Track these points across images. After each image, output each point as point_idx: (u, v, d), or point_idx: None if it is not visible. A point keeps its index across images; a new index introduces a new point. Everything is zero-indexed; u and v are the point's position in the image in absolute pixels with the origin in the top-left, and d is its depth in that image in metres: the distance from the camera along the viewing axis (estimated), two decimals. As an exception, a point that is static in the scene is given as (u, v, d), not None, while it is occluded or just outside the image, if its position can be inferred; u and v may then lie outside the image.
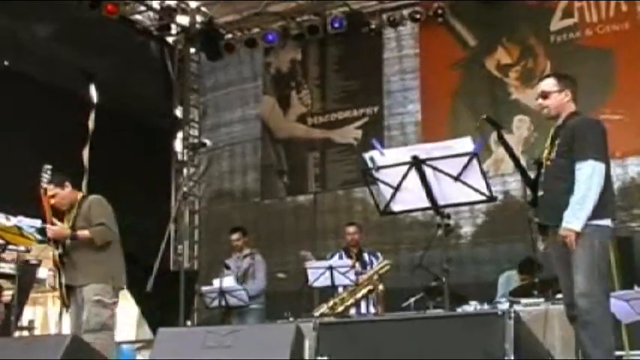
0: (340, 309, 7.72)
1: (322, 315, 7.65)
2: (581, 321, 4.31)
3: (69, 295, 5.75)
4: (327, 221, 10.51)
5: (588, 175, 4.37)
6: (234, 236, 8.92)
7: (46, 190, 5.68)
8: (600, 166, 4.40)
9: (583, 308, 4.29)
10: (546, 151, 4.66)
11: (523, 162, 4.85)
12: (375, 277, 7.82)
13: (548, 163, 4.60)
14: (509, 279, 7.93)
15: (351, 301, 7.78)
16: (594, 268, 4.36)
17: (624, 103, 8.97)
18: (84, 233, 5.69)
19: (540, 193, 4.62)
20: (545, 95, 4.70)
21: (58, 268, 5.67)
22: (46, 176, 5.70)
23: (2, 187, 7.93)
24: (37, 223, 6.14)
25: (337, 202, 10.71)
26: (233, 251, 8.92)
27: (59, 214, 5.89)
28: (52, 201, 5.79)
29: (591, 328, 4.28)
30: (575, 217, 4.36)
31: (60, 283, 5.68)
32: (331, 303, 7.76)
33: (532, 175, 4.77)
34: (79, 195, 5.92)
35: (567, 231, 4.36)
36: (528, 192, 4.85)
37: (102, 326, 5.57)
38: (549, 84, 4.73)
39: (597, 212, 4.38)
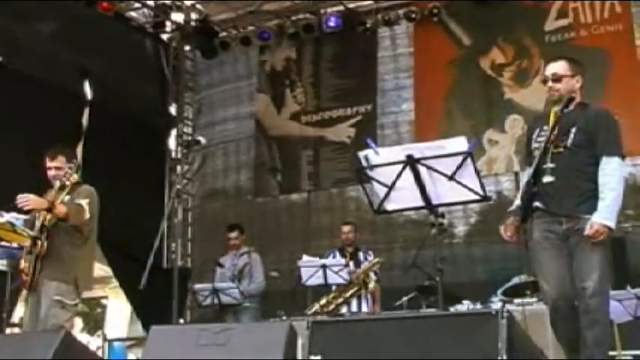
0: (331, 308, 7.73)
1: (314, 314, 7.66)
2: (590, 319, 4.24)
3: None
4: (321, 220, 10.51)
5: (619, 173, 4.36)
6: (232, 234, 8.85)
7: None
8: (622, 165, 4.41)
9: (594, 307, 4.23)
10: (552, 137, 4.48)
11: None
12: (371, 273, 7.84)
13: (561, 150, 4.45)
14: None
15: (341, 299, 7.80)
16: (605, 267, 4.32)
17: (618, 103, 8.93)
18: (60, 208, 5.49)
19: (549, 179, 4.44)
20: (557, 78, 4.58)
21: (38, 256, 5.55)
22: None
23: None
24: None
25: (331, 201, 10.71)
26: (230, 249, 8.88)
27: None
28: (53, 172, 5.68)
29: (598, 327, 4.23)
30: (611, 215, 4.28)
31: (34, 270, 5.56)
32: (322, 302, 7.77)
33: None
34: (74, 178, 5.73)
35: (603, 227, 4.25)
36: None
37: (57, 329, 5.24)
38: (563, 67, 4.61)
39: None
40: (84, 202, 5.62)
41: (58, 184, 5.71)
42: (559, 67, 4.61)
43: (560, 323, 4.40)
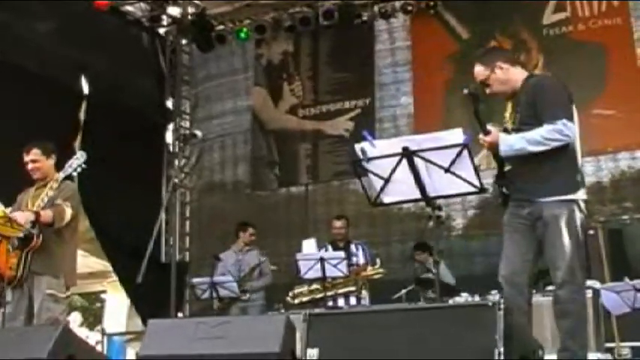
0: (319, 296, 7.74)
1: (297, 295, 7.80)
2: (560, 310, 4.24)
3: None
4: (319, 213, 10.50)
5: (558, 130, 4.21)
6: (251, 230, 8.98)
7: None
8: (572, 126, 4.26)
9: (564, 297, 4.22)
10: (510, 122, 4.53)
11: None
12: (373, 274, 7.86)
13: (511, 132, 4.47)
14: None
15: (331, 293, 7.80)
16: (577, 256, 4.25)
17: (616, 98, 8.98)
18: (45, 215, 5.51)
19: (508, 167, 4.51)
20: (486, 83, 4.58)
21: (30, 251, 5.51)
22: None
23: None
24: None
25: (329, 194, 10.70)
26: (244, 244, 8.90)
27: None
28: (30, 165, 5.70)
29: (569, 318, 4.22)
30: (513, 143, 4.28)
31: (24, 265, 5.50)
32: (312, 287, 7.79)
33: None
34: (57, 176, 5.73)
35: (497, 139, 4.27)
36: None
37: (53, 322, 5.35)
38: (479, 72, 4.60)
39: (569, 186, 4.31)
40: (65, 203, 5.62)
41: (36, 176, 5.73)
42: (478, 73, 4.61)
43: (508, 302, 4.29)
